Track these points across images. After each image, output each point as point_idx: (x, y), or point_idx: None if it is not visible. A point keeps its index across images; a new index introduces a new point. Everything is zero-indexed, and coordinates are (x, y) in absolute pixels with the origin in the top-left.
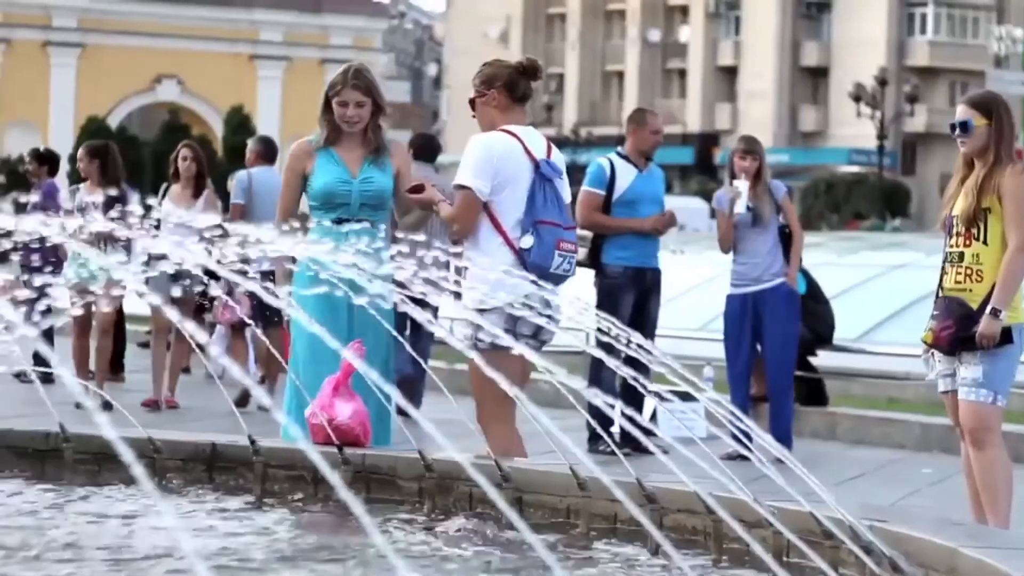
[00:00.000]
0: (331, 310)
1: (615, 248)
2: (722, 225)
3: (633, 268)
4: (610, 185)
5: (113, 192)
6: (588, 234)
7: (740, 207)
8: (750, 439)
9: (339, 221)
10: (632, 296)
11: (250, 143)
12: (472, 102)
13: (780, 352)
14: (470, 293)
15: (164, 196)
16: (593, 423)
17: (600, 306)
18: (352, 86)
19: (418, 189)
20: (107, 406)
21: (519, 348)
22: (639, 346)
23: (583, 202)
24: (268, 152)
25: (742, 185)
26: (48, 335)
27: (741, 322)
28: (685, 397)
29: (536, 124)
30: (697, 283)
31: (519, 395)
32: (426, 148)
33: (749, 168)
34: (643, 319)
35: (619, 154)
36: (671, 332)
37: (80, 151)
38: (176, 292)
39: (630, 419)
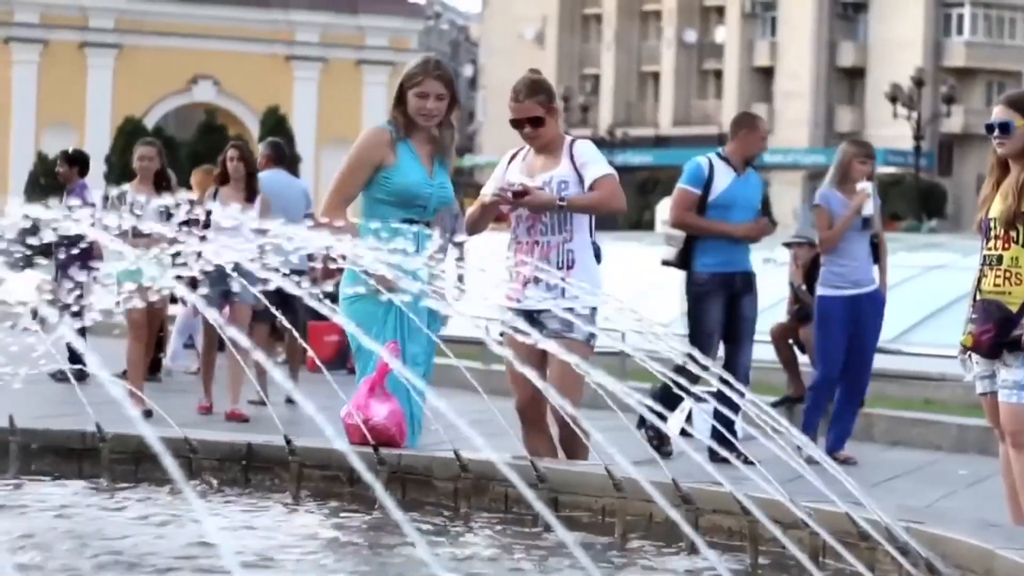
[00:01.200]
0: (384, 312)
1: (704, 254)
2: (831, 226)
3: (720, 274)
4: (706, 186)
5: (169, 197)
6: (680, 233)
7: (869, 209)
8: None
9: (407, 222)
10: (721, 302)
11: (261, 147)
12: (540, 119)
13: (869, 356)
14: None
15: (215, 198)
16: (640, 423)
17: (689, 312)
18: (435, 76)
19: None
20: (148, 413)
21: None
22: (726, 383)
23: (678, 200)
24: (278, 156)
25: (869, 187)
26: (82, 334)
27: (843, 325)
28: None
29: (572, 125)
30: None
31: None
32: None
33: (871, 172)
34: (737, 320)
35: (719, 155)
36: None
37: (149, 149)
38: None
39: (725, 441)
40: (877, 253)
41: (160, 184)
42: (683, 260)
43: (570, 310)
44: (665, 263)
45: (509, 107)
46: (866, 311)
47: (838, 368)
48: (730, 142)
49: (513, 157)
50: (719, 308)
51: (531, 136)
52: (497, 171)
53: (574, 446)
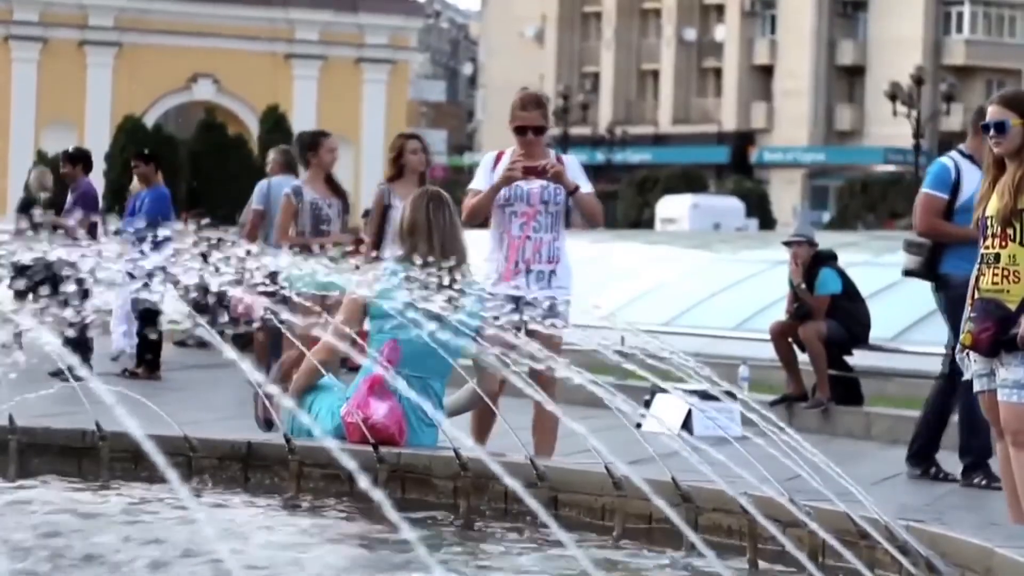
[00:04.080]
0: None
1: (956, 257)
2: None
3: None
4: (954, 188)
5: (341, 197)
6: (922, 240)
7: None
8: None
9: None
10: None
11: (272, 152)
12: (543, 128)
13: None
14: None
15: (388, 194)
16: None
17: (950, 320)
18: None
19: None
20: (269, 424)
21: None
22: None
23: (925, 206)
24: (289, 162)
25: None
26: (84, 342)
27: None
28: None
29: (571, 123)
30: (733, 282)
31: (543, 395)
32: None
33: None
34: None
35: (962, 154)
36: (706, 332)
37: (335, 140)
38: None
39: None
40: None
41: (330, 182)
42: (929, 269)
43: (554, 301)
44: (908, 273)
45: (516, 115)
46: None
47: None
48: (972, 137)
49: (498, 158)
50: None
51: (532, 142)
52: (482, 170)
53: (545, 431)
